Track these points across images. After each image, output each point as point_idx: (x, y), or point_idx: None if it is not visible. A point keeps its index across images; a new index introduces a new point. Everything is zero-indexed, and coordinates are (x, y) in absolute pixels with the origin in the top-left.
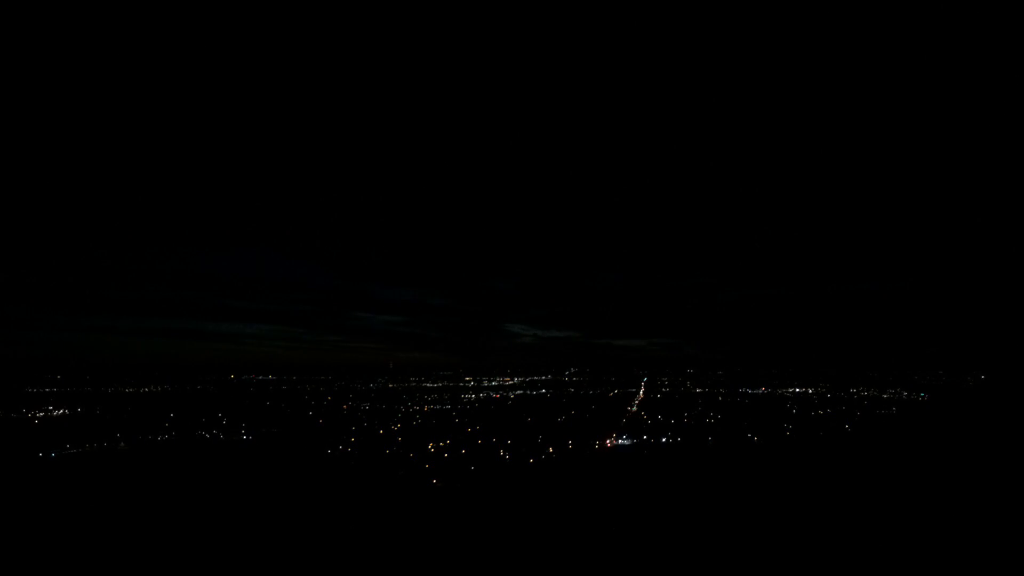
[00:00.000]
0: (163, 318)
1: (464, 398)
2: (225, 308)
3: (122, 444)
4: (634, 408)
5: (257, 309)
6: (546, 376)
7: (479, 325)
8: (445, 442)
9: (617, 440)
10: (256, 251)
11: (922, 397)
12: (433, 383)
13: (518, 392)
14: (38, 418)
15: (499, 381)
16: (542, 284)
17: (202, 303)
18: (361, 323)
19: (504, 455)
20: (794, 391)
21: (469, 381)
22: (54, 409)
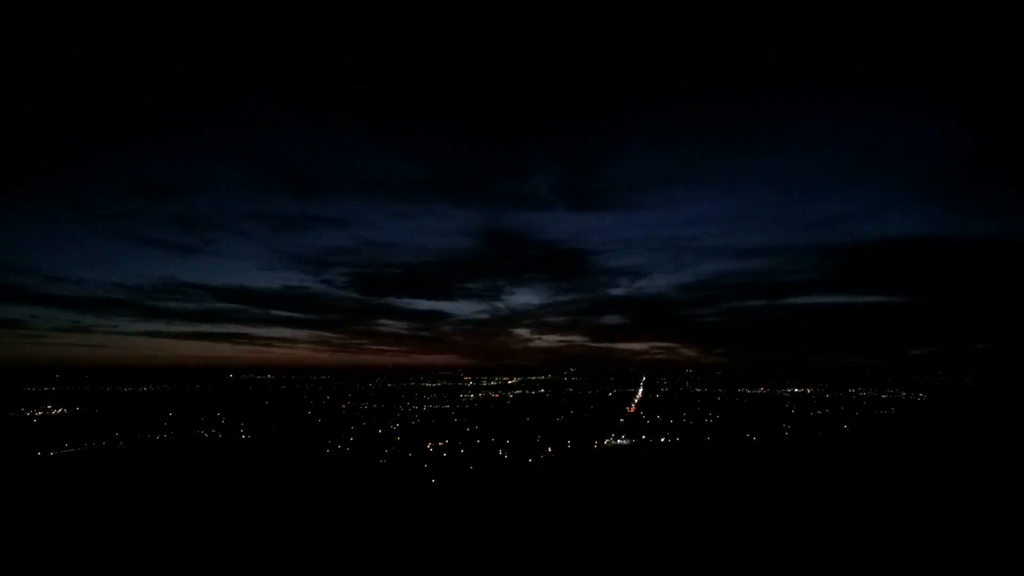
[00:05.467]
0: (213, 323)
1: (463, 398)
2: (268, 317)
3: (120, 443)
4: (633, 408)
5: (297, 318)
6: (546, 376)
7: (494, 332)
8: (444, 442)
9: (616, 440)
10: (293, 272)
11: (921, 398)
12: (432, 383)
13: (517, 392)
14: (36, 417)
15: (498, 380)
16: (556, 297)
17: (248, 313)
18: (385, 328)
19: (503, 455)
20: (793, 391)
21: (468, 381)
22: (53, 408)
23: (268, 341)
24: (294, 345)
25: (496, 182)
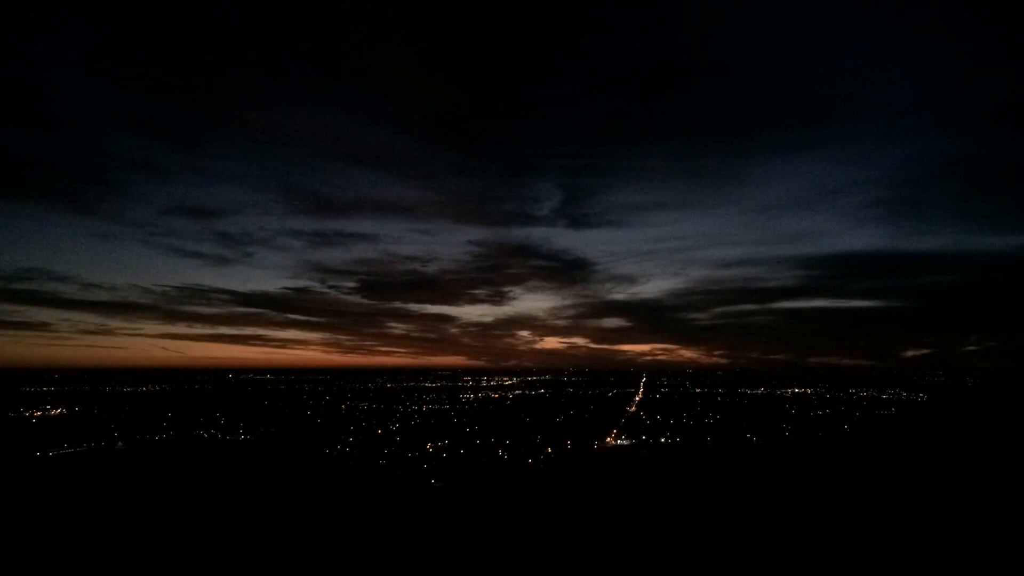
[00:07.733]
0: (232, 326)
1: (463, 398)
2: (284, 320)
3: (120, 444)
4: (633, 408)
5: (311, 322)
6: (546, 376)
7: (499, 334)
8: (444, 442)
9: (616, 440)
10: (312, 279)
11: (921, 398)
12: (432, 383)
13: (517, 392)
14: (35, 417)
15: (498, 381)
16: (558, 301)
17: (265, 317)
18: (394, 331)
19: (503, 455)
20: (793, 392)
21: (468, 381)
22: (51, 408)
23: (282, 343)
24: (306, 347)
25: (502, 206)
